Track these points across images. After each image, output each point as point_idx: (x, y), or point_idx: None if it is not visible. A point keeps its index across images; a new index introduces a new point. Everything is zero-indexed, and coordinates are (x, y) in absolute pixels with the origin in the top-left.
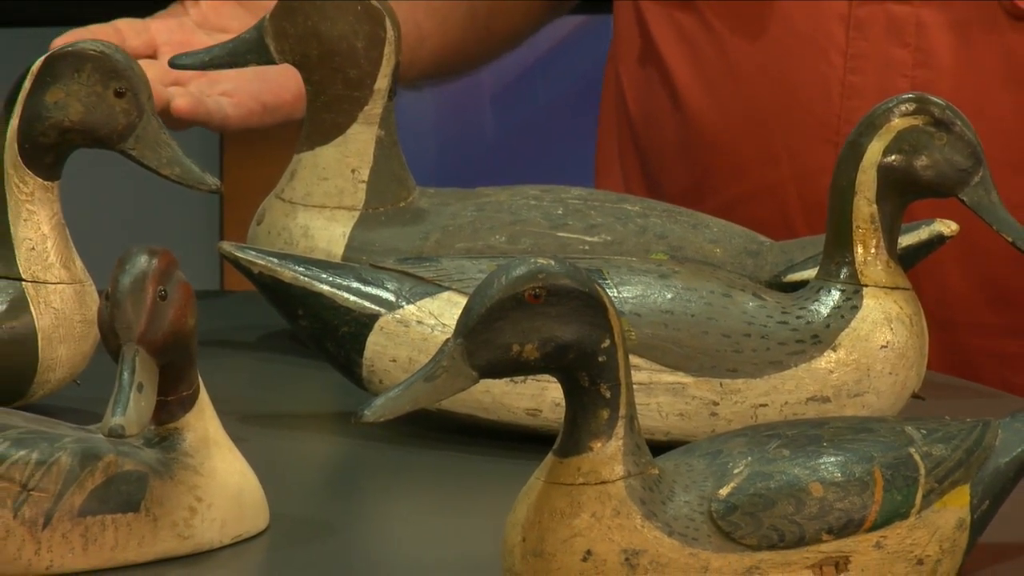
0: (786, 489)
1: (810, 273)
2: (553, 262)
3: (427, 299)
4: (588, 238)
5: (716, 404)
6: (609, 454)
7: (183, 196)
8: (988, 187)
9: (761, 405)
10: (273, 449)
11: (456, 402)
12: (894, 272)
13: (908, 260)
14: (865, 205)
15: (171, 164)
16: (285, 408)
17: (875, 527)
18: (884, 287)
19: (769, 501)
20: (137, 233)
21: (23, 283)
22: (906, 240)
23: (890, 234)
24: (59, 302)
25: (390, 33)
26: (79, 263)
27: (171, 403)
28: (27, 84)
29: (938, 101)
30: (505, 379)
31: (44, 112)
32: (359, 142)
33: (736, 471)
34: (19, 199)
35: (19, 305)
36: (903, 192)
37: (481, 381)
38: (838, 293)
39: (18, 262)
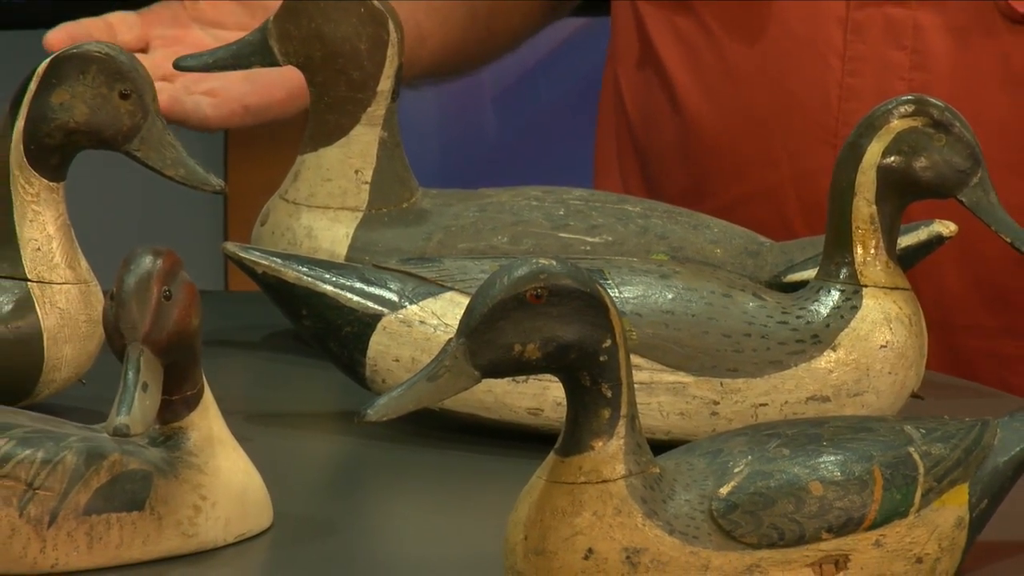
0: (786, 488)
1: (810, 273)
2: (555, 262)
3: (430, 299)
4: (589, 239)
5: (717, 403)
6: (610, 453)
7: (187, 197)
8: (987, 188)
9: (761, 404)
10: (277, 448)
11: (458, 401)
12: (893, 272)
13: (907, 261)
14: (864, 206)
15: (175, 165)
16: (289, 407)
17: (874, 526)
18: (883, 287)
19: (769, 500)
20: (142, 234)
21: (28, 283)
22: (905, 241)
23: (889, 235)
24: (64, 302)
25: (393, 35)
26: (84, 263)
27: (175, 402)
28: (32, 86)
29: (937, 103)
30: (507, 379)
31: (50, 113)
32: (362, 143)
33: (736, 470)
34: (25, 200)
35: (25, 305)
36: (902, 193)
37: (483, 381)
38: (838, 293)
39: (24, 262)
